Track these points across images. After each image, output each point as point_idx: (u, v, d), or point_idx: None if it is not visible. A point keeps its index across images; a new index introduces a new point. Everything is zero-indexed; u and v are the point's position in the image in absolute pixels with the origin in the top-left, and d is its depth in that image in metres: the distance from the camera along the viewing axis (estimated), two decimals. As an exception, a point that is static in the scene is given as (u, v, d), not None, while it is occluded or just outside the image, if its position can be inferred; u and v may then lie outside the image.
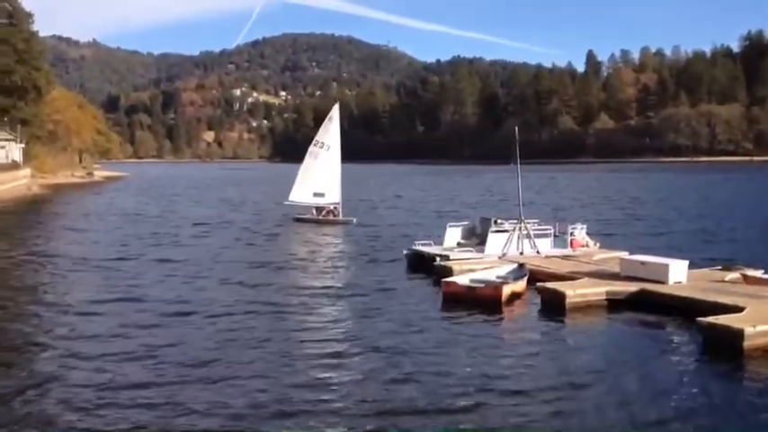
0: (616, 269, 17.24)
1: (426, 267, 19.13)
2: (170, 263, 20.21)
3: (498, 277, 17.23)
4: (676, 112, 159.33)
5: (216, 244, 24.77)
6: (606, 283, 15.94)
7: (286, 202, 33.40)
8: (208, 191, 64.91)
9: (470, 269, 17.94)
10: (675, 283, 15.73)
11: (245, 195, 57.73)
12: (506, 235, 20.15)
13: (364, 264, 20.73)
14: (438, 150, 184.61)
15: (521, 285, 16.48)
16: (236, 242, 25.69)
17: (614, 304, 15.21)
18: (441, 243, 21.26)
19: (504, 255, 19.83)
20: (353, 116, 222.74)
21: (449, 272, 17.88)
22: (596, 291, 15.48)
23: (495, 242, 19.97)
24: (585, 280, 16.34)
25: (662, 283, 15.70)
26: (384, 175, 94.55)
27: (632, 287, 15.58)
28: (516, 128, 23.33)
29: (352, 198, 39.35)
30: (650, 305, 14.90)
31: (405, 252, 21.12)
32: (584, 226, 21.67)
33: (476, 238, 21.30)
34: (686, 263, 16.23)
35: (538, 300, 15.58)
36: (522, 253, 20.06)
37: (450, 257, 19.25)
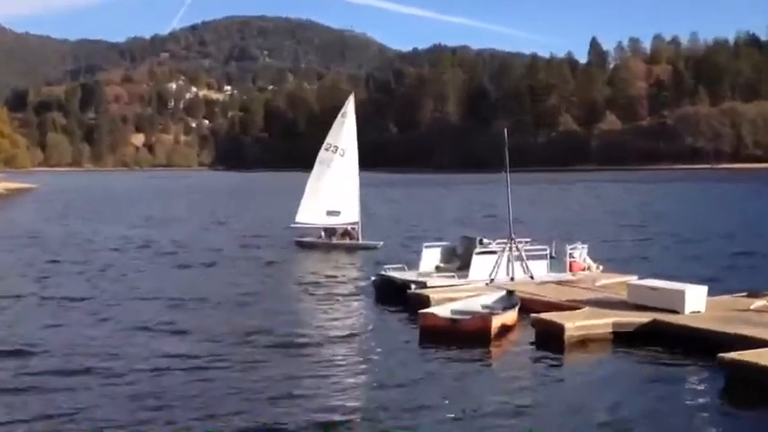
0: (623, 296, 17.46)
1: (399, 297, 19.27)
2: (70, 302, 19.19)
3: (485, 307, 17.33)
4: (695, 110, 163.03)
5: (132, 275, 24.33)
6: (611, 314, 16.12)
7: (293, 225, 32.41)
8: (133, 206, 64.50)
9: (451, 298, 18.06)
10: (692, 312, 15.99)
11: (187, 210, 57.31)
12: (494, 257, 20.33)
13: (323, 295, 20.78)
14: (414, 156, 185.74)
15: (511, 316, 16.61)
16: (163, 271, 25.43)
17: (621, 338, 15.40)
18: (415, 267, 21.39)
19: (491, 281, 19.99)
20: (313, 115, 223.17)
21: (426, 302, 17.98)
22: (600, 322, 15.67)
23: (480, 266, 20.14)
24: (587, 310, 16.52)
25: (676, 312, 15.95)
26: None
27: (642, 318, 15.81)
28: (506, 129, 23.55)
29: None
30: (663, 338, 15.11)
31: (372, 279, 21.26)
32: (586, 246, 21.99)
33: (457, 260, 21.45)
34: (705, 289, 16.51)
35: (531, 333, 15.71)
36: (512, 278, 20.25)
37: (428, 284, 19.39)
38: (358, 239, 31.71)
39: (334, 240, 31.81)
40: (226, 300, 19.84)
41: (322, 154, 32.43)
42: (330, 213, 31.96)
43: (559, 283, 20.20)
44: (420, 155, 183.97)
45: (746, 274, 23.65)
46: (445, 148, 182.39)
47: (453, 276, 20.07)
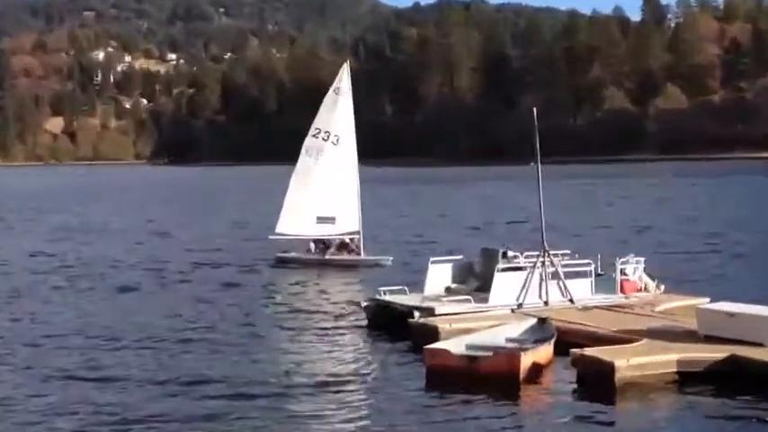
0: (691, 325, 17.51)
1: (398, 327, 19.34)
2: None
3: (510, 341, 17.38)
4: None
5: (42, 305, 24.33)
6: (676, 348, 16.15)
7: (272, 237, 32.55)
8: (47, 212, 64.61)
9: (467, 329, 18.10)
10: (781, 345, 16.09)
11: (119, 218, 57.40)
12: (522, 275, 20.39)
13: (299, 328, 20.92)
14: (416, 144, 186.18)
15: (545, 353, 16.67)
16: (85, 300, 25.31)
17: (689, 379, 15.44)
18: (420, 289, 21.48)
19: (518, 306, 20.04)
20: (285, 91, 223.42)
21: (433, 334, 18.04)
22: (661, 359, 15.70)
23: (504, 286, 20.20)
24: (644, 343, 16.55)
25: (761, 345, 15.98)
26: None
27: (716, 353, 15.84)
28: (535, 109, 23.59)
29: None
30: (744, 380, 15.13)
31: (363, 304, 21.32)
32: (642, 260, 22.00)
33: (474, 280, 21.52)
34: (798, 314, 16.60)
35: (572, 374, 15.75)
36: (546, 303, 20.30)
37: (436, 311, 19.43)
38: (359, 254, 31.77)
39: (328, 255, 31.85)
40: (169, 336, 19.83)
41: (309, 142, 32.23)
42: (322, 221, 31.83)
43: (608, 308, 20.19)
44: (423, 143, 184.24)
45: None
46: (456, 134, 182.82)
47: (469, 300, 20.09)
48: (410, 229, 46.02)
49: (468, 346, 16.67)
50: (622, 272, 21.32)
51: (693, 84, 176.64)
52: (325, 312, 22.76)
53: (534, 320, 18.28)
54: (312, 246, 32.40)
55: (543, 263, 20.50)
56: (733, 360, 15.53)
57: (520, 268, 20.64)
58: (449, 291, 21.26)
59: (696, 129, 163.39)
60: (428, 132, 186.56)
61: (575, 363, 15.79)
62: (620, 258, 21.49)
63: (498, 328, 18.05)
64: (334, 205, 31.71)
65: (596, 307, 20.29)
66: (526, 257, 21.09)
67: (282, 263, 32.11)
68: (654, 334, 17.24)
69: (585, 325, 18.35)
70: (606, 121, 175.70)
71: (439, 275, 21.67)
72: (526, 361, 15.78)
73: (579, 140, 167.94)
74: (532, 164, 21.36)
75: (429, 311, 19.48)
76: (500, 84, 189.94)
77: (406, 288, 21.44)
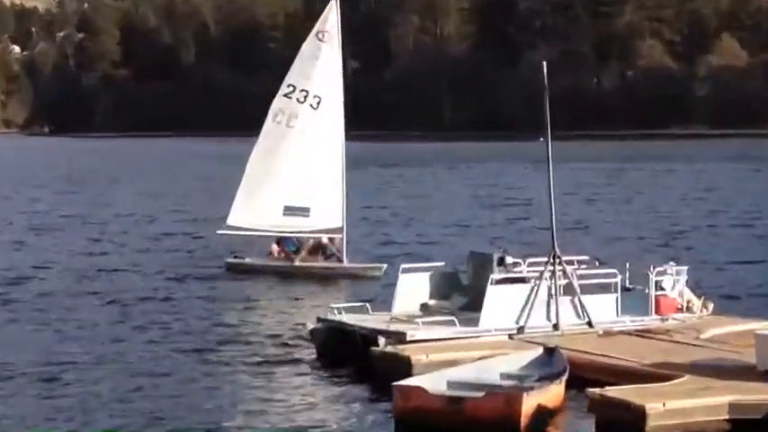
0: (749, 357, 17.70)
1: (357, 356, 19.48)
2: None
3: (507, 377, 17.47)
4: None
5: None
6: (728, 387, 16.32)
7: (220, 231, 32.55)
8: None
9: (450, 361, 18.23)
10: None
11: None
12: (524, 289, 20.56)
13: (227, 359, 21.05)
14: (389, 112, 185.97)
15: (554, 393, 16.77)
16: None
17: (746, 429, 15.64)
18: (387, 306, 21.62)
19: (519, 330, 20.18)
20: (208, 37, 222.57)
21: (405, 368, 18.16)
22: (708, 403, 15.86)
23: (499, 304, 20.31)
24: (686, 381, 16.74)
25: (841, 385, 16.26)
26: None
27: (782, 395, 16.07)
28: (545, 65, 23.67)
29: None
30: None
31: (311, 327, 21.41)
32: (684, 270, 22.24)
33: (460, 294, 21.66)
34: None
35: (590, 422, 15.93)
36: (556, 326, 20.50)
37: (408, 337, 19.52)
38: (341, 260, 31.53)
39: (298, 262, 31.54)
40: (39, 372, 19.95)
41: (279, 104, 31.47)
42: (291, 212, 31.15)
43: (638, 333, 20.37)
44: (398, 109, 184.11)
45: None
46: (439, 98, 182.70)
47: (453, 323, 20.14)
48: (379, 222, 46.19)
49: (452, 384, 16.75)
50: (658, 286, 21.49)
51: (757, 35, 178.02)
52: (263, 341, 22.82)
53: (539, 350, 18.35)
54: (275, 248, 31.98)
55: (553, 273, 20.62)
56: (801, 402, 15.74)
57: (521, 280, 20.76)
58: (425, 309, 21.32)
59: (760, 94, 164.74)
60: (402, 95, 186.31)
61: (593, 406, 15.95)
62: (655, 268, 21.63)
63: (491, 360, 18.11)
64: (309, 192, 31.24)
65: (623, 332, 20.48)
66: (530, 265, 21.22)
67: (234, 271, 31.98)
68: (699, 369, 17.42)
69: (608, 356, 18.49)
70: (641, 85, 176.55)
71: (412, 288, 21.73)
72: (529, 404, 15.85)
73: (604, 109, 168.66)
74: (541, 139, 21.52)
75: (399, 337, 19.52)
76: (500, 31, 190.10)
77: (368, 305, 21.53)
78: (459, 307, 21.16)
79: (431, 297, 21.75)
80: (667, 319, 21.22)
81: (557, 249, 20.82)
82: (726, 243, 39.53)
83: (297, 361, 20.82)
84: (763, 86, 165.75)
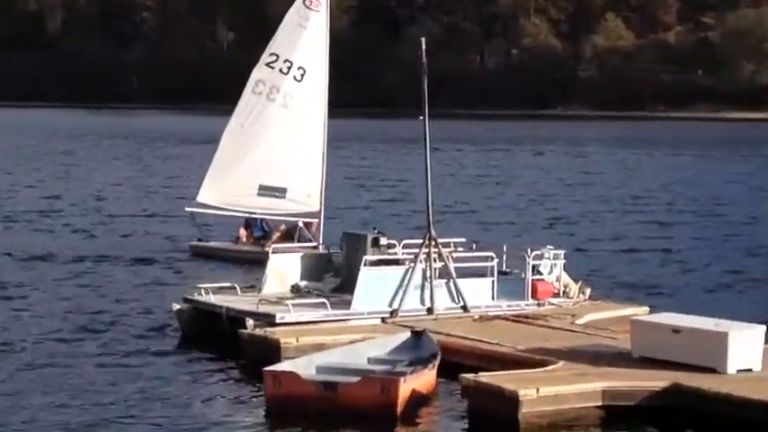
0: (624, 344, 18.00)
1: (224, 339, 19.45)
2: None
3: (375, 362, 17.51)
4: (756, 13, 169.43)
5: None
6: (603, 374, 16.53)
7: (189, 209, 31.44)
8: None
9: (320, 344, 18.28)
10: (741, 371, 16.59)
11: None
12: (398, 271, 20.62)
13: (96, 336, 20.87)
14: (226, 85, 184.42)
15: (428, 378, 16.86)
16: None
17: (619, 416, 15.83)
18: (257, 287, 21.59)
19: (392, 314, 20.24)
20: (77, 5, 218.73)
21: (274, 351, 18.15)
22: (582, 389, 16.03)
23: (372, 286, 20.37)
24: (561, 367, 16.90)
25: (714, 371, 16.52)
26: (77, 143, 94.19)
27: (655, 381, 16.29)
28: (423, 41, 23.59)
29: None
30: (690, 417, 15.61)
31: (176, 308, 21.27)
32: (562, 254, 22.45)
33: (332, 276, 21.72)
34: (762, 330, 17.19)
35: (462, 407, 16.05)
36: (430, 310, 20.57)
37: (277, 319, 19.51)
38: (317, 246, 28.50)
39: (269, 246, 28.52)
40: None
41: (261, 74, 29.53)
42: (266, 192, 29.43)
43: (514, 318, 20.56)
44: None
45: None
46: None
47: (324, 305, 20.16)
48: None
49: (324, 369, 16.76)
50: (535, 270, 21.72)
51: (643, 16, 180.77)
52: (132, 325, 22.42)
53: (408, 334, 18.44)
54: (243, 232, 30.90)
55: (428, 255, 20.69)
56: (676, 390, 16.01)
57: (395, 262, 20.82)
58: (296, 291, 21.33)
59: (645, 77, 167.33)
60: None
61: (466, 392, 16.05)
62: (532, 251, 21.82)
63: (359, 344, 18.16)
64: (288, 171, 29.87)
65: (498, 317, 20.64)
66: (405, 247, 21.28)
67: (200, 255, 31.22)
68: (574, 355, 17.61)
69: (483, 341, 18.60)
70: (525, 63, 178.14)
71: (282, 269, 21.68)
72: (405, 389, 15.92)
73: (489, 88, 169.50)
74: (420, 118, 21.57)
75: (268, 319, 19.49)
76: (382, 5, 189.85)
77: (236, 286, 21.40)
78: (332, 289, 21.21)
79: (302, 278, 21.74)
80: (544, 304, 21.42)
81: (432, 231, 20.90)
82: (605, 228, 40.12)
83: (161, 344, 20.65)
84: (648, 69, 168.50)
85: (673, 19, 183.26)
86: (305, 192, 30.14)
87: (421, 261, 20.69)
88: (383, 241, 21.41)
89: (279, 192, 30.05)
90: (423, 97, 21.29)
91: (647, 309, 21.26)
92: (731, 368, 16.55)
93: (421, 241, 20.96)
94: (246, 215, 30.80)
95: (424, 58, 21.86)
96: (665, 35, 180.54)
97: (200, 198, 30.59)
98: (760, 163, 78.83)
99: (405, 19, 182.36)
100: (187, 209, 31.56)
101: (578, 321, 20.45)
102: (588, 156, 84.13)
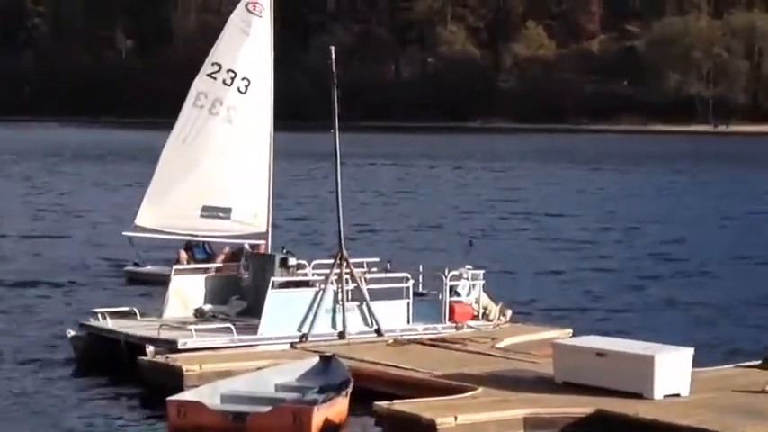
0: (547, 368, 18.15)
1: (123, 365, 19.43)
2: None
3: (284, 389, 17.52)
4: (685, 23, 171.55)
5: None
6: (525, 400, 16.68)
7: (126, 233, 30.12)
8: None
9: (225, 371, 18.25)
10: (668, 397, 16.83)
11: None
12: (308, 294, 20.66)
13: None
14: (163, 96, 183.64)
15: (341, 406, 16.88)
16: None
17: (541, 446, 16.01)
18: (158, 312, 21.48)
19: (302, 339, 20.30)
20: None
21: (176, 379, 18.12)
22: (503, 416, 16.13)
23: (280, 309, 20.38)
24: (481, 393, 17.01)
25: (640, 396, 16.72)
26: None
27: (579, 407, 16.45)
28: (333, 50, 23.63)
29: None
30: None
31: (71, 334, 21.10)
32: (481, 273, 22.56)
33: (238, 298, 21.68)
34: (690, 354, 17.39)
35: (375, 437, 16.11)
36: (342, 335, 20.63)
37: (180, 344, 19.44)
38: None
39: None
40: None
41: (202, 85, 28.78)
42: (210, 213, 28.74)
43: (431, 342, 20.63)
44: (173, 94, 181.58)
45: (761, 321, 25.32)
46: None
47: (229, 330, 20.12)
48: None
49: (229, 398, 16.71)
50: (452, 291, 21.79)
51: (565, 24, 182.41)
52: (23, 352, 22.18)
53: (316, 359, 18.43)
54: (183, 255, 30.38)
55: (340, 276, 20.73)
56: (601, 417, 16.17)
57: (305, 283, 20.89)
58: (200, 315, 21.25)
59: (567, 88, 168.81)
60: (180, 79, 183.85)
61: (380, 420, 16.09)
62: (449, 271, 21.87)
63: (265, 371, 18.11)
64: (232, 189, 28.91)
65: (414, 341, 20.70)
66: (315, 268, 21.39)
67: (136, 281, 31.07)
68: (494, 380, 17.74)
69: (398, 367, 18.65)
70: (441, 73, 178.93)
71: (185, 291, 21.61)
72: (319, 418, 15.93)
73: (404, 98, 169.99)
74: (332, 131, 21.72)
75: (169, 345, 19.39)
76: (292, 12, 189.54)
77: (135, 310, 21.28)
78: (238, 312, 21.15)
79: (206, 301, 21.67)
80: (462, 327, 21.47)
81: (344, 251, 20.93)
82: (526, 248, 40.48)
83: (58, 372, 20.47)
84: (571, 79, 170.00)
85: (596, 27, 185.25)
86: (251, 212, 29.13)
87: (332, 282, 20.69)
88: (292, 261, 21.43)
89: (223, 212, 28.53)
90: (333, 109, 21.35)
91: (570, 331, 21.46)
92: (658, 393, 16.76)
93: (332, 261, 20.97)
94: (189, 238, 30.36)
95: (334, 68, 21.91)
96: (588, 44, 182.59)
97: (139, 221, 29.51)
98: (688, 177, 79.93)
99: (315, 26, 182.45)
100: (124, 233, 30.75)
101: (498, 345, 20.54)
102: (508, 171, 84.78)
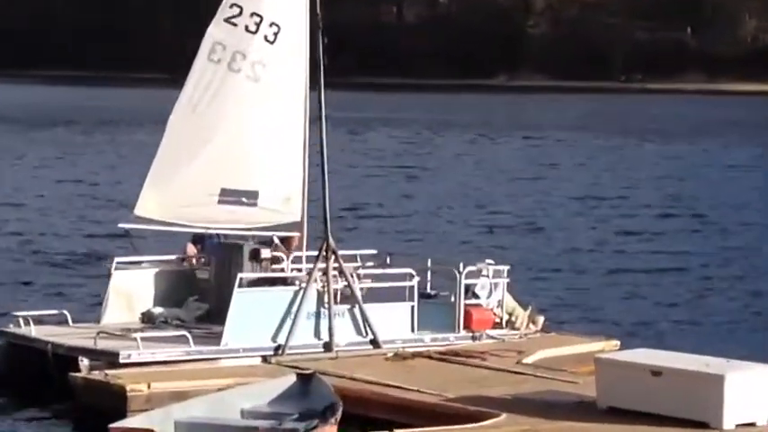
0: (588, 390, 18.25)
1: (52, 384, 19.39)
2: None
3: (258, 416, 17.49)
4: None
5: None
6: (560, 430, 16.88)
7: (123, 225, 29.13)
8: None
9: (180, 392, 18.30)
10: (740, 427, 16.95)
11: None
12: (286, 294, 20.79)
13: None
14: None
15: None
16: None
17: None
18: (96, 317, 21.55)
19: (276, 351, 20.39)
20: None
21: (118, 401, 18.16)
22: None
23: (249, 313, 20.49)
24: (504, 421, 17.11)
25: (706, 427, 16.85)
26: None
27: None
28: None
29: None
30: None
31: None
32: (505, 270, 22.66)
33: (196, 300, 21.86)
34: (768, 371, 17.61)
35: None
36: (328, 347, 20.69)
37: (121, 358, 19.48)
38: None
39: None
40: None
41: (219, 33, 27.74)
42: (230, 197, 27.82)
43: (441, 356, 20.72)
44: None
45: None
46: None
47: (185, 338, 20.15)
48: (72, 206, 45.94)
49: (185, 426, 16.71)
50: (469, 291, 21.89)
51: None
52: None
53: (293, 378, 18.32)
54: (191, 249, 29.15)
55: (326, 272, 20.87)
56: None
57: (282, 281, 21.05)
58: (148, 320, 21.32)
59: (614, 35, 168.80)
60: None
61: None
62: (464, 266, 21.92)
63: (231, 392, 18.07)
64: (258, 169, 27.94)
65: (420, 354, 20.77)
66: (295, 261, 21.51)
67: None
68: (521, 405, 17.82)
69: (399, 387, 18.70)
70: (455, 17, 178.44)
71: (129, 291, 21.78)
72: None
73: (406, 48, 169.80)
74: (316, 88, 22.26)
75: (109, 358, 19.45)
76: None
77: (66, 313, 21.34)
78: (196, 317, 21.27)
79: (156, 303, 21.77)
80: (481, 337, 21.61)
81: (331, 240, 21.11)
82: (562, 240, 40.61)
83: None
84: (619, 25, 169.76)
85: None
86: (282, 195, 28.16)
87: (316, 280, 20.79)
88: (265, 253, 21.52)
89: (248, 196, 27.68)
90: (318, 61, 21.42)
91: (617, 344, 21.60)
92: (729, 422, 16.83)
93: (316, 254, 21.09)
94: (204, 231, 28.83)
95: (319, 10, 21.97)
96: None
97: (139, 210, 28.39)
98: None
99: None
100: (121, 225, 29.52)
101: (527, 360, 20.64)
102: (540, 141, 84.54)
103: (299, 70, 27.20)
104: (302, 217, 26.28)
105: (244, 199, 26.91)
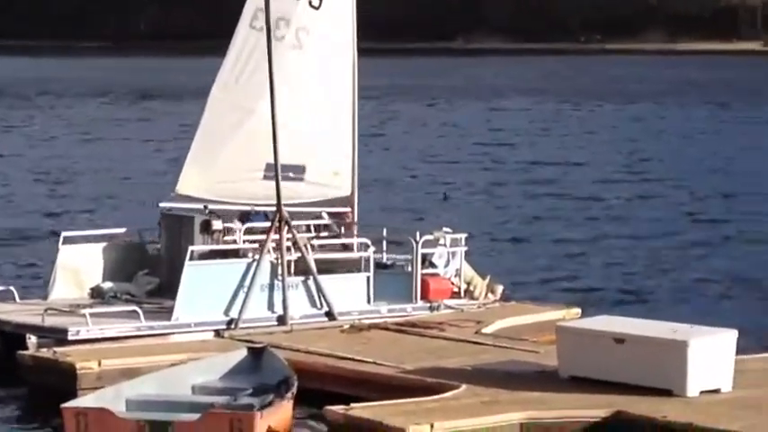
0: (549, 359, 18.28)
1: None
2: None
3: (210, 392, 17.50)
4: None
5: None
6: (520, 401, 16.79)
7: (165, 204, 28.03)
8: None
9: (132, 368, 18.24)
10: (704, 394, 16.95)
11: None
12: (237, 267, 20.80)
13: None
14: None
15: (286, 412, 16.83)
16: None
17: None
18: (44, 293, 21.49)
19: (229, 325, 20.37)
20: None
21: (68, 379, 18.13)
22: (494, 422, 16.21)
23: (201, 287, 20.47)
24: (464, 392, 17.11)
25: (670, 394, 16.88)
26: None
27: (591, 408, 16.58)
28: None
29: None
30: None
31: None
32: (462, 237, 22.59)
33: (146, 274, 21.78)
34: (733, 337, 17.48)
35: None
36: (282, 320, 20.70)
37: (70, 335, 19.40)
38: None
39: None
40: None
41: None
42: (277, 172, 27.17)
43: (398, 327, 20.74)
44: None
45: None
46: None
47: (136, 313, 20.08)
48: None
49: (137, 404, 16.64)
50: (426, 260, 21.91)
51: None
52: None
53: (244, 352, 18.31)
54: (238, 226, 28.06)
55: (279, 243, 20.89)
56: (619, 421, 16.32)
57: (234, 253, 21.02)
58: (97, 295, 21.29)
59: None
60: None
61: (334, 429, 16.25)
62: (421, 235, 21.91)
63: (181, 368, 18.06)
64: (305, 141, 27.11)
65: (376, 326, 20.79)
66: (247, 233, 21.56)
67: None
68: (481, 376, 17.85)
69: (356, 360, 18.73)
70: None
71: (77, 265, 21.59)
72: (262, 428, 15.89)
73: (360, 9, 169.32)
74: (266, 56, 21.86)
75: (57, 335, 19.36)
76: None
77: (12, 289, 21.30)
78: (147, 291, 21.24)
79: (106, 278, 21.66)
80: (439, 307, 21.63)
81: (284, 210, 21.22)
82: (521, 206, 40.64)
83: None
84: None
85: None
86: (330, 169, 27.61)
87: (269, 251, 20.80)
88: (217, 225, 21.51)
89: (294, 171, 26.88)
90: (266, 23, 21.31)
91: (579, 312, 21.66)
92: (692, 389, 16.89)
93: (268, 224, 21.02)
94: (248, 208, 27.84)
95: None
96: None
97: (182, 188, 27.48)
98: (734, 112, 79.89)
99: None
100: (162, 204, 28.22)
101: (486, 330, 20.64)
102: (498, 105, 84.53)
103: (347, 36, 27.31)
104: (353, 191, 26.25)
105: (291, 174, 26.34)
